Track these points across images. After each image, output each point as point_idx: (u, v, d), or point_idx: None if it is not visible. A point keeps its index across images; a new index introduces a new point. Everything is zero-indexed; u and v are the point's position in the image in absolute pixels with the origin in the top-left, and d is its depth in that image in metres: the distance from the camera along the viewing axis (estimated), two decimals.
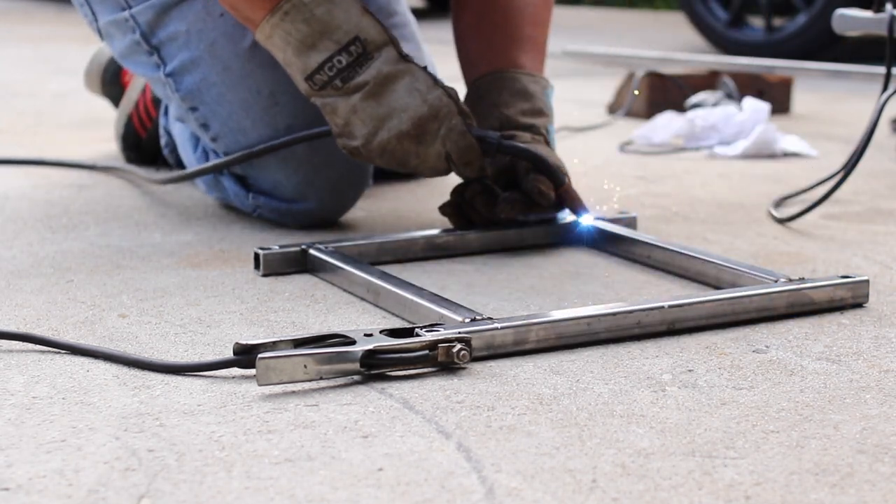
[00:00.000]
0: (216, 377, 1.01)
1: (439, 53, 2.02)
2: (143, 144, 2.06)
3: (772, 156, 2.28)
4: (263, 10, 1.40)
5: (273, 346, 1.01)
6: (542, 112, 1.55)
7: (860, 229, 1.63)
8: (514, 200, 1.46)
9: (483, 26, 1.61)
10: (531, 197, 1.46)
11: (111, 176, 1.97)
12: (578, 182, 1.95)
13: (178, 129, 1.78)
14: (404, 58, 1.41)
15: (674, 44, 5.09)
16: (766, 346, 1.12)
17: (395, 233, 1.51)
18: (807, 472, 0.83)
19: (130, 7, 1.60)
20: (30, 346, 1.09)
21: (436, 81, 1.41)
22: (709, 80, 2.88)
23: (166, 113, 1.90)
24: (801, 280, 1.24)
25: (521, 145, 1.45)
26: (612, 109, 2.89)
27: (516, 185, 1.49)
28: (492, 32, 1.60)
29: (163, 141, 1.94)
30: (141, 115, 2.05)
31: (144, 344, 1.11)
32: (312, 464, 0.83)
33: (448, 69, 1.81)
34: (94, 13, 1.67)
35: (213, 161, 1.59)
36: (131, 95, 2.07)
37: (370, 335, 1.03)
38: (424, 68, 1.43)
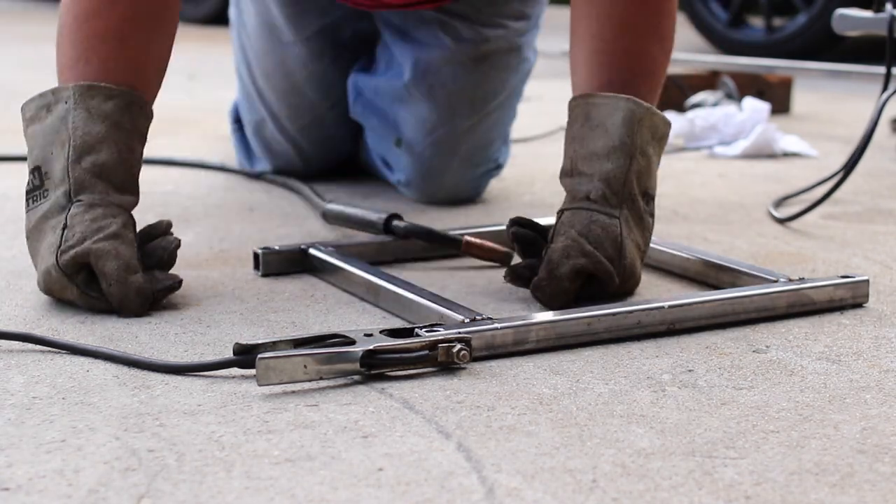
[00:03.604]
0: (216, 377, 1.01)
1: None
2: None
3: (772, 156, 2.27)
4: None
5: (273, 346, 1.01)
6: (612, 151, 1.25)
7: (860, 229, 1.63)
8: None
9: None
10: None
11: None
12: None
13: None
14: (72, 202, 1.22)
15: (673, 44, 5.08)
16: (766, 346, 1.12)
17: None
18: (807, 472, 0.83)
19: None
20: (30, 346, 1.09)
21: (59, 247, 1.19)
22: (709, 80, 2.87)
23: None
24: (801, 280, 1.24)
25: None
26: None
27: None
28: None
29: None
30: None
31: (144, 344, 1.11)
32: (312, 464, 0.83)
33: None
34: None
35: None
36: None
37: (370, 335, 1.03)
38: (65, 226, 1.20)
